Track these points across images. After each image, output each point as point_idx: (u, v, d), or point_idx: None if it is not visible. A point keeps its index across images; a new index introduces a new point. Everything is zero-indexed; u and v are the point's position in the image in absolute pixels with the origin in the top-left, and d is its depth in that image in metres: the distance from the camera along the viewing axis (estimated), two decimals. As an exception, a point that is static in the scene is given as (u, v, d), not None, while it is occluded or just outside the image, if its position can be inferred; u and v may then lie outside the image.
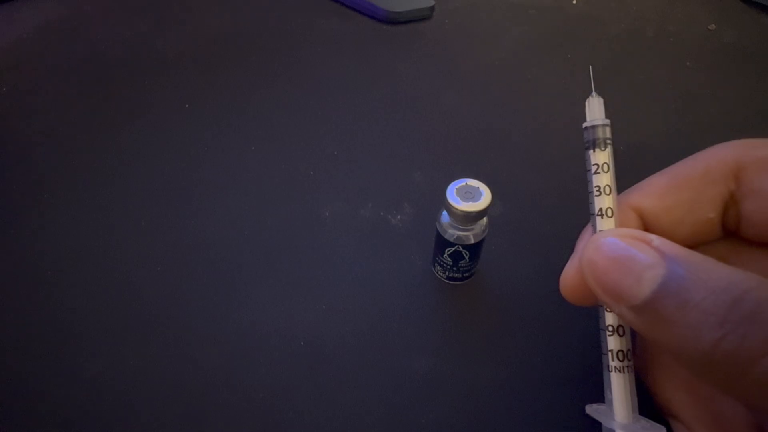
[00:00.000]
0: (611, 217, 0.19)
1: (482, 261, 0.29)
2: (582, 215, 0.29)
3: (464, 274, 0.28)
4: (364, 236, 0.31)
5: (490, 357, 0.26)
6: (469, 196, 0.25)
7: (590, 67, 0.22)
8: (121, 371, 0.25)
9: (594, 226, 0.20)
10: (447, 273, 0.28)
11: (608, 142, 0.20)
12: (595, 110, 0.20)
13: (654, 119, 0.39)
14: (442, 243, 0.27)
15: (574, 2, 0.54)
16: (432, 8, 0.50)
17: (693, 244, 0.20)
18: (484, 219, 0.26)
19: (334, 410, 0.24)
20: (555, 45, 0.47)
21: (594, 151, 0.20)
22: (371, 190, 0.34)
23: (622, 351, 0.19)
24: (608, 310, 0.19)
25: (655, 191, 0.20)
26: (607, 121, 0.20)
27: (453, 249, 0.26)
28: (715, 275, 0.15)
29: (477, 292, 0.28)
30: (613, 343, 0.19)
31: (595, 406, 0.20)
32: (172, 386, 0.24)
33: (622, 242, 0.17)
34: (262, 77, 0.43)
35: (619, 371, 0.19)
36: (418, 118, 0.39)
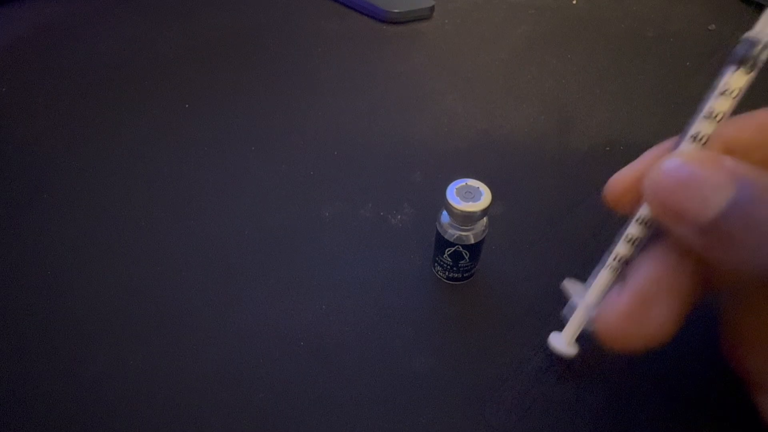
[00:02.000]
0: (703, 143, 0.18)
1: (482, 261, 0.29)
2: (582, 215, 0.29)
3: (464, 274, 0.28)
4: (364, 236, 0.31)
5: (490, 357, 0.26)
6: (469, 196, 0.25)
7: None
8: (121, 371, 0.25)
9: (677, 146, 0.19)
10: (447, 273, 0.28)
11: (759, 65, 0.17)
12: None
13: (654, 119, 0.39)
14: (442, 243, 0.27)
15: (574, 2, 0.54)
16: (432, 8, 0.50)
17: None
18: (484, 219, 0.26)
19: (334, 410, 0.24)
20: (555, 45, 0.47)
21: (736, 70, 0.17)
22: (371, 190, 0.34)
23: (625, 258, 0.20)
24: (641, 222, 0.19)
25: (752, 125, 0.19)
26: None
27: (453, 249, 0.26)
28: None
29: (477, 292, 0.28)
30: (624, 249, 0.20)
31: (573, 282, 0.22)
32: (172, 386, 0.24)
33: (691, 165, 0.16)
34: (262, 77, 0.43)
35: (613, 270, 0.20)
36: (418, 118, 0.39)
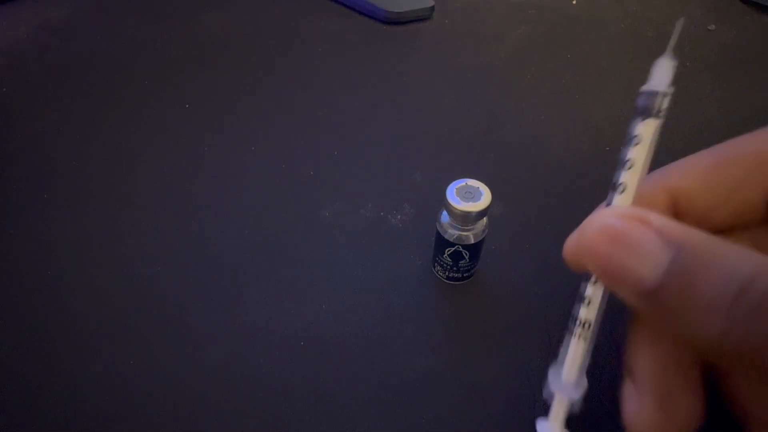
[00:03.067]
0: (621, 193, 0.18)
1: (482, 261, 0.29)
2: (581, 215, 0.28)
3: (464, 274, 0.28)
4: (364, 236, 0.31)
5: (490, 357, 0.26)
6: (469, 196, 0.25)
7: (679, 22, 0.19)
8: (121, 371, 0.25)
9: (609, 201, 0.18)
10: (447, 273, 0.28)
11: (660, 114, 0.18)
12: (661, 74, 0.18)
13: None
14: (442, 243, 0.27)
15: (574, 2, 0.54)
16: (432, 8, 0.50)
17: (730, 228, 0.19)
18: (484, 219, 0.26)
19: (334, 410, 0.24)
20: (555, 45, 0.47)
21: (643, 120, 0.18)
22: (371, 190, 0.34)
23: (588, 322, 0.19)
24: (594, 282, 0.18)
25: (697, 170, 0.19)
26: (669, 90, 0.18)
27: (453, 249, 0.26)
28: (719, 261, 0.14)
29: (477, 292, 0.28)
30: (586, 313, 0.19)
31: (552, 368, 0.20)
32: (172, 386, 0.24)
33: (622, 223, 0.15)
34: (262, 77, 0.43)
35: (580, 339, 0.19)
36: (418, 118, 0.39)
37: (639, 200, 0.18)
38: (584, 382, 0.19)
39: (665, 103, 0.18)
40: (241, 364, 0.25)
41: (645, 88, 0.18)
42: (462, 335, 0.27)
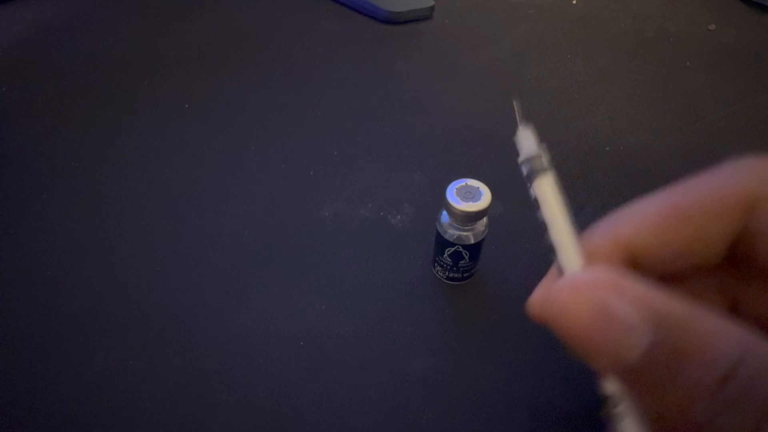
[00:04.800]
0: (563, 253, 0.17)
1: (482, 261, 0.29)
2: (581, 215, 0.29)
3: (464, 274, 0.28)
4: (364, 236, 0.31)
5: (490, 357, 0.26)
6: (469, 196, 0.25)
7: (514, 101, 0.20)
8: (122, 371, 0.25)
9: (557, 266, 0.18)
10: (447, 273, 0.28)
11: (547, 167, 0.18)
12: (527, 142, 0.19)
13: (654, 119, 0.39)
14: (442, 243, 0.27)
15: (574, 2, 0.54)
16: (432, 8, 0.50)
17: (687, 274, 0.18)
18: (484, 219, 0.26)
19: (334, 410, 0.24)
20: (555, 45, 0.47)
21: (537, 180, 0.18)
22: (371, 190, 0.34)
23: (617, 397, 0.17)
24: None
25: (650, 225, 0.17)
26: (540, 150, 0.18)
27: (453, 249, 0.26)
28: (705, 339, 0.13)
29: (477, 292, 0.28)
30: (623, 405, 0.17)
31: None
32: (172, 386, 0.24)
33: (596, 293, 0.14)
34: (262, 77, 0.43)
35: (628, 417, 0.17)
36: (418, 118, 0.39)
37: (593, 255, 0.17)
38: None
39: (545, 160, 0.18)
40: (241, 364, 0.25)
41: (521, 159, 0.19)
42: (462, 335, 0.27)
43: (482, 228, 0.26)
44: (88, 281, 0.28)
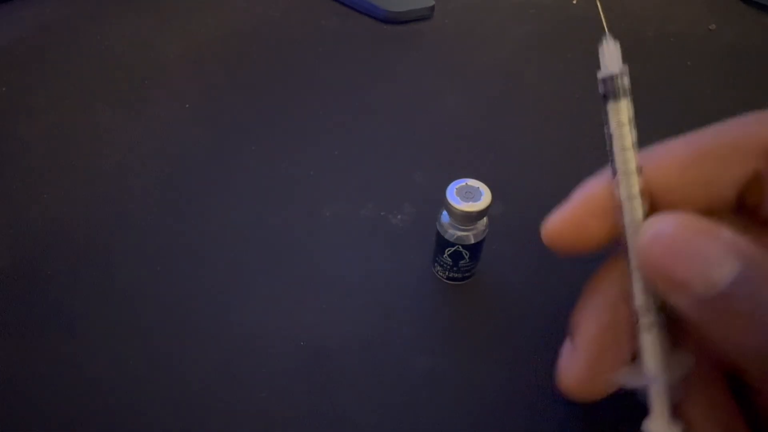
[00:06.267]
0: (639, 175, 0.18)
1: (482, 261, 0.29)
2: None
3: (464, 274, 0.28)
4: (365, 236, 0.31)
5: (490, 357, 0.26)
6: (469, 196, 0.25)
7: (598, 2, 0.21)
8: (121, 371, 0.25)
9: (619, 187, 0.18)
10: (447, 273, 0.28)
11: (626, 90, 0.18)
12: (611, 57, 0.19)
13: (654, 119, 0.39)
14: (442, 243, 0.27)
15: (574, 2, 0.54)
16: (432, 8, 0.50)
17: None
18: (484, 219, 0.26)
19: (335, 410, 0.24)
20: (555, 45, 0.47)
21: (615, 102, 0.18)
22: (371, 190, 0.34)
23: (653, 314, 0.18)
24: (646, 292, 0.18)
25: (674, 163, 0.19)
26: (625, 69, 0.18)
27: (453, 249, 0.26)
28: None
29: (477, 292, 0.28)
30: (648, 318, 0.18)
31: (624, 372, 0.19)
32: (172, 386, 0.24)
33: (686, 234, 0.16)
34: (262, 77, 0.43)
35: (650, 329, 0.18)
36: (418, 118, 0.39)
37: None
38: (673, 371, 0.18)
39: (625, 81, 0.19)
40: (242, 364, 0.25)
41: (601, 75, 0.19)
42: (462, 335, 0.27)
43: (482, 228, 0.26)
44: (87, 281, 0.28)
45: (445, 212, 0.26)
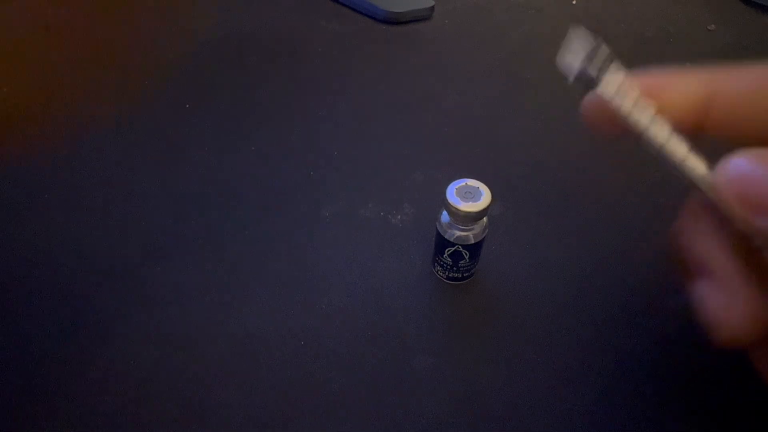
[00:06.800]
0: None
1: (482, 261, 0.29)
2: (581, 214, 0.29)
3: (464, 274, 0.28)
4: (364, 236, 0.31)
5: (490, 357, 0.26)
6: (469, 196, 0.25)
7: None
8: (122, 371, 0.25)
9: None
10: (447, 273, 0.28)
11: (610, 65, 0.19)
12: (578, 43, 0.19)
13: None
14: (442, 243, 0.27)
15: (574, 2, 0.54)
16: (432, 8, 0.50)
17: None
18: (484, 219, 0.26)
19: (335, 410, 0.24)
20: (555, 45, 0.47)
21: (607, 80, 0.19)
22: (371, 190, 0.34)
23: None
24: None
25: (747, 80, 0.19)
26: (597, 43, 0.19)
27: (453, 249, 0.26)
28: None
29: (477, 292, 0.28)
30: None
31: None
32: (172, 386, 0.24)
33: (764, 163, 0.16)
34: (262, 77, 0.43)
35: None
36: (418, 118, 0.39)
37: (669, 86, 0.19)
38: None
39: (603, 58, 0.19)
40: (242, 364, 0.25)
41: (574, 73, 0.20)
42: (462, 335, 0.27)
43: (482, 228, 0.26)
44: (87, 281, 0.28)
45: (445, 212, 0.26)
